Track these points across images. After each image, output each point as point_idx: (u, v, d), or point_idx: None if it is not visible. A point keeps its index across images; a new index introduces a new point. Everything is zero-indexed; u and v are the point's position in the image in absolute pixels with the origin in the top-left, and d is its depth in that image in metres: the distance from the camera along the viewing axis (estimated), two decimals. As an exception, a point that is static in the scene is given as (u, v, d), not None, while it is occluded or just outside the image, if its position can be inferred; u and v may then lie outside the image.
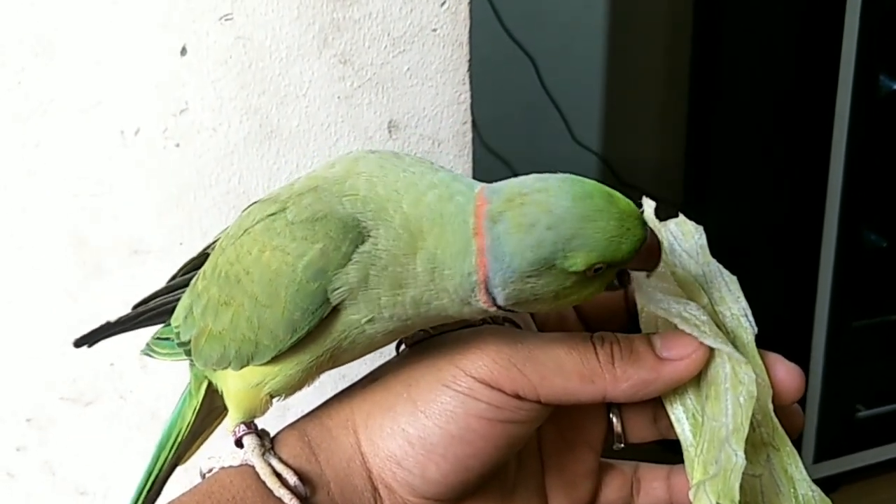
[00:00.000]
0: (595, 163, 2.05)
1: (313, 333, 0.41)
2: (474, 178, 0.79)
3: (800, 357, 1.70)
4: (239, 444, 0.43)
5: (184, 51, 0.69)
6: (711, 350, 0.41)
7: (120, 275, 0.72)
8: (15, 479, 0.76)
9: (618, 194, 0.39)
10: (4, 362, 0.73)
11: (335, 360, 0.43)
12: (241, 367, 0.43)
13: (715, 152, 1.93)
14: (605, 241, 0.38)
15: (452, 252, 0.38)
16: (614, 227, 0.38)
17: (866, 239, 1.70)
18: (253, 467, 0.42)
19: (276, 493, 0.40)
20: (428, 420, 0.41)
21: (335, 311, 0.40)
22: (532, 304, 0.39)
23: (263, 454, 0.42)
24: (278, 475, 0.41)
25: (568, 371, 0.41)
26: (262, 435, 0.44)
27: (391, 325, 0.40)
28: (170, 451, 0.51)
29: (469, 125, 0.77)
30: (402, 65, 0.74)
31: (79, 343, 0.55)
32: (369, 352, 0.44)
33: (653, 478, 0.46)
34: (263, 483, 0.41)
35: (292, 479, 0.41)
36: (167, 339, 0.50)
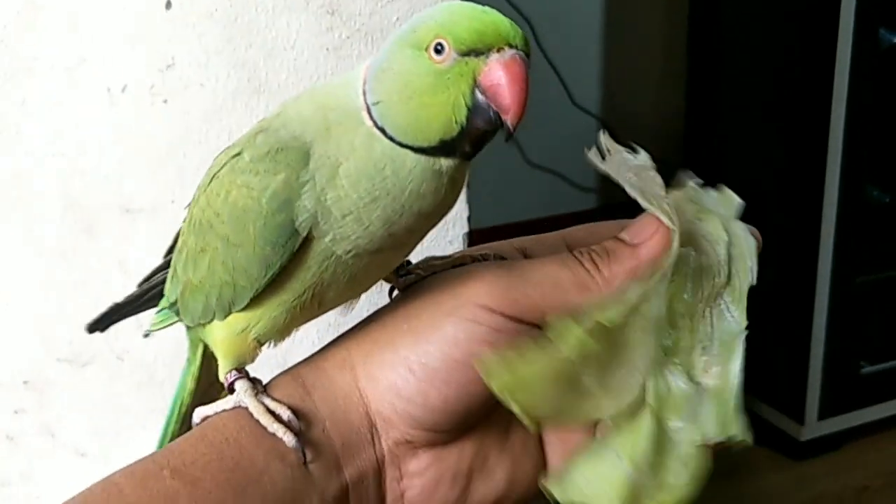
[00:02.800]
0: (595, 125, 2.04)
1: (289, 269, 0.40)
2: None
3: (803, 313, 1.70)
4: (231, 389, 0.43)
5: (168, 4, 0.68)
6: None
7: (112, 234, 0.72)
8: (14, 442, 0.76)
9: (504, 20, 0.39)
10: (0, 325, 0.73)
11: (320, 299, 0.42)
12: (225, 316, 0.43)
13: (715, 112, 1.92)
14: (451, 16, 0.38)
15: (349, 86, 0.40)
16: (468, 11, 0.38)
17: (869, 195, 1.69)
18: (246, 409, 0.41)
19: (270, 429, 0.40)
20: (430, 346, 0.41)
21: (307, 242, 0.40)
22: (392, 104, 0.39)
23: (256, 395, 0.42)
24: (272, 412, 0.41)
25: (565, 285, 0.41)
26: (254, 380, 0.43)
27: (361, 242, 0.40)
28: (176, 421, 0.51)
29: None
30: (391, 14, 0.73)
31: (92, 328, 0.55)
32: (355, 291, 0.44)
33: None
34: (257, 423, 0.40)
35: (286, 414, 0.40)
36: (163, 308, 0.50)
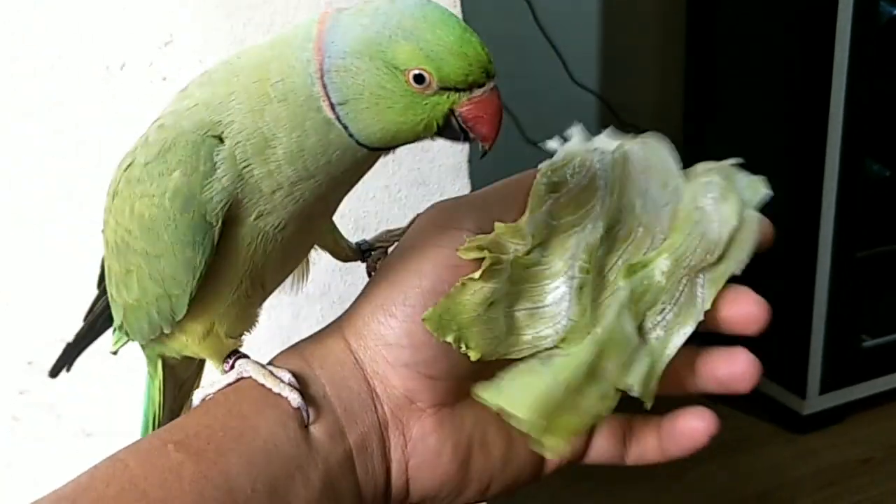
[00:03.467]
0: (593, 103, 2.03)
1: (218, 263, 0.40)
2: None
3: (804, 288, 1.70)
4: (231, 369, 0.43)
5: (166, -20, 0.68)
6: None
7: (113, 213, 0.72)
8: (20, 423, 0.76)
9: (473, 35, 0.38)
10: (4, 305, 0.73)
11: (261, 281, 0.42)
12: (172, 326, 0.43)
13: (714, 87, 1.91)
14: (435, 44, 0.36)
15: (294, 60, 0.37)
16: (452, 40, 0.36)
17: (869, 169, 1.69)
18: (247, 383, 0.41)
19: (276, 390, 0.40)
20: (402, 286, 0.41)
21: (229, 228, 0.39)
22: (361, 111, 0.37)
23: (256, 364, 0.42)
24: (274, 376, 0.41)
25: (514, 193, 0.43)
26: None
27: (288, 210, 0.39)
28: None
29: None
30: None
31: (55, 373, 0.55)
32: (291, 264, 0.43)
33: (645, 429, 0.46)
34: (258, 394, 0.40)
35: (287, 376, 0.40)
36: (115, 329, 0.49)
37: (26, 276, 0.73)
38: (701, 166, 0.46)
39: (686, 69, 2.00)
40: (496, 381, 0.42)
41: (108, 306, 0.48)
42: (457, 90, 0.37)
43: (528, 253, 0.42)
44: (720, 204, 0.44)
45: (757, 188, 0.45)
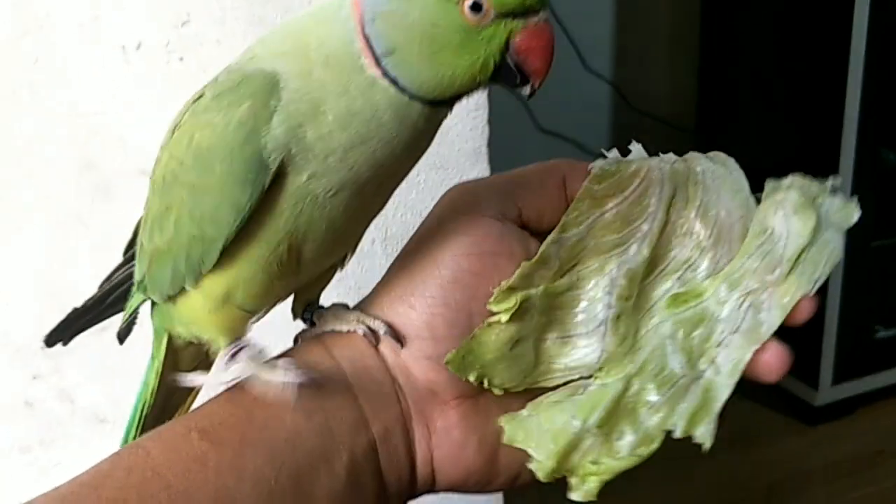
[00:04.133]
0: (607, 90, 2.01)
1: (261, 215, 0.37)
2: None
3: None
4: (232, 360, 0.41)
5: (183, -41, 0.67)
6: None
7: (129, 197, 0.71)
8: (33, 408, 0.76)
9: None
10: (16, 288, 0.72)
11: (298, 253, 0.39)
12: (196, 280, 0.40)
13: (729, 76, 1.89)
14: None
15: (333, 20, 0.36)
16: None
17: (884, 158, 1.67)
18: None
19: (270, 378, 0.38)
20: (421, 275, 0.40)
21: (279, 181, 0.37)
22: (411, 56, 0.35)
23: (254, 357, 0.40)
24: (271, 367, 0.39)
25: (534, 178, 0.43)
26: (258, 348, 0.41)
27: (342, 176, 0.37)
28: (137, 427, 0.48)
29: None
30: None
31: (51, 341, 0.52)
32: (335, 246, 0.41)
33: None
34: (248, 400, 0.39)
35: (282, 362, 0.39)
36: (135, 293, 0.47)
37: (39, 260, 0.72)
38: (786, 181, 0.42)
39: (700, 57, 1.98)
40: (521, 416, 0.41)
41: (127, 277, 0.47)
42: (514, 16, 0.36)
43: (559, 278, 0.40)
44: (791, 219, 0.40)
45: (849, 212, 0.42)
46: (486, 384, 0.40)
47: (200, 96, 0.39)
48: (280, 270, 0.39)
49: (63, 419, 0.76)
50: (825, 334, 1.71)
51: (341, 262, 0.44)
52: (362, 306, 0.42)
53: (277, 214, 0.38)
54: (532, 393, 0.41)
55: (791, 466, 1.69)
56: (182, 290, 0.41)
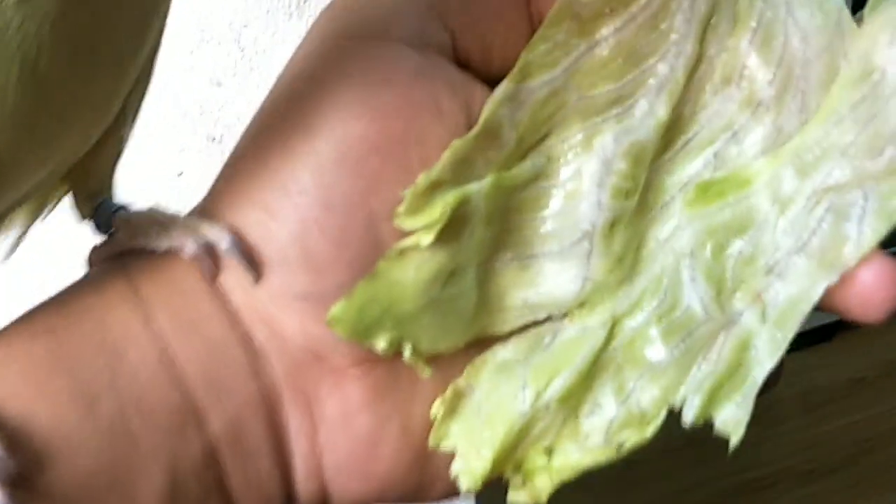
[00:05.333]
0: None
1: None
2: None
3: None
4: None
5: None
6: None
7: None
8: None
9: None
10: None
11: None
12: None
13: None
14: None
15: None
16: None
17: None
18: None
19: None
20: (290, 160, 0.23)
21: None
22: None
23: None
24: None
25: None
26: None
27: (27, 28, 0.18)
28: None
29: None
30: None
31: None
32: (42, 134, 0.22)
33: None
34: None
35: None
36: None
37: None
38: None
39: None
40: (459, 387, 0.25)
41: None
42: None
43: (516, 161, 0.24)
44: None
45: None
46: (406, 351, 0.24)
47: None
48: None
49: None
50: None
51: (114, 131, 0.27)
52: (196, 211, 0.26)
53: None
54: (480, 347, 0.26)
55: (764, 396, 1.60)
56: None
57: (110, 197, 0.27)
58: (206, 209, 0.25)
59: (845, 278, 0.24)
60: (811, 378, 1.64)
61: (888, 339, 1.69)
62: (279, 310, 0.24)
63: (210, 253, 0.24)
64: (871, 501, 1.52)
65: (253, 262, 0.23)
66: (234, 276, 0.24)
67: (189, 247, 0.23)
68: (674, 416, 0.25)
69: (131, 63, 0.23)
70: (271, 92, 0.25)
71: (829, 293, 0.24)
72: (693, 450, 1.33)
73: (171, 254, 0.24)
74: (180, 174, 0.64)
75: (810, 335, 1.67)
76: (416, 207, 0.23)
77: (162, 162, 0.63)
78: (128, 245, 0.25)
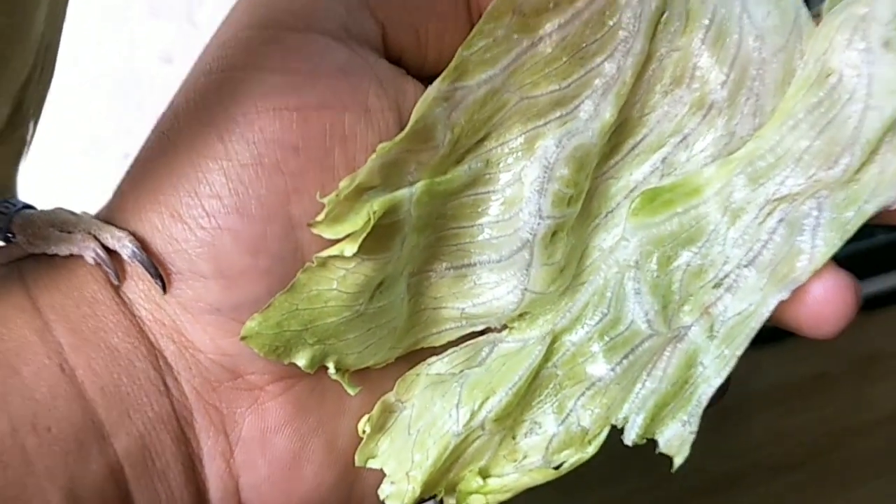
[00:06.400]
0: None
1: None
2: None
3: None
4: None
5: None
6: None
7: None
8: None
9: None
10: None
11: None
12: None
13: None
14: None
15: None
16: None
17: None
18: None
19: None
20: (202, 161, 0.22)
21: None
22: None
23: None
24: None
25: None
26: None
27: None
28: None
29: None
30: None
31: None
32: None
33: None
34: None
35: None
36: None
37: None
38: None
39: None
40: (388, 402, 0.24)
41: None
42: None
43: (452, 166, 0.23)
44: (877, 59, 0.21)
45: None
46: (330, 368, 0.23)
47: None
48: None
49: None
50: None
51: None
52: (100, 215, 0.24)
53: None
54: (413, 359, 0.24)
55: (730, 392, 1.60)
56: None
57: (13, 197, 0.25)
58: (112, 212, 0.23)
59: (797, 293, 0.23)
60: (777, 373, 1.64)
61: (854, 334, 1.70)
62: (189, 323, 0.22)
63: (114, 260, 0.22)
64: (839, 495, 1.53)
65: (159, 271, 0.22)
66: (140, 286, 0.22)
67: (90, 253, 0.22)
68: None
69: (15, 59, 0.21)
70: (183, 85, 0.23)
71: (779, 308, 0.23)
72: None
73: (73, 259, 0.22)
74: (126, 156, 0.63)
75: (776, 330, 1.67)
76: (339, 214, 0.21)
77: (108, 143, 0.61)
78: (25, 250, 0.23)
